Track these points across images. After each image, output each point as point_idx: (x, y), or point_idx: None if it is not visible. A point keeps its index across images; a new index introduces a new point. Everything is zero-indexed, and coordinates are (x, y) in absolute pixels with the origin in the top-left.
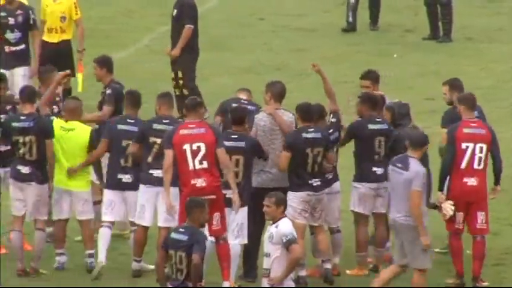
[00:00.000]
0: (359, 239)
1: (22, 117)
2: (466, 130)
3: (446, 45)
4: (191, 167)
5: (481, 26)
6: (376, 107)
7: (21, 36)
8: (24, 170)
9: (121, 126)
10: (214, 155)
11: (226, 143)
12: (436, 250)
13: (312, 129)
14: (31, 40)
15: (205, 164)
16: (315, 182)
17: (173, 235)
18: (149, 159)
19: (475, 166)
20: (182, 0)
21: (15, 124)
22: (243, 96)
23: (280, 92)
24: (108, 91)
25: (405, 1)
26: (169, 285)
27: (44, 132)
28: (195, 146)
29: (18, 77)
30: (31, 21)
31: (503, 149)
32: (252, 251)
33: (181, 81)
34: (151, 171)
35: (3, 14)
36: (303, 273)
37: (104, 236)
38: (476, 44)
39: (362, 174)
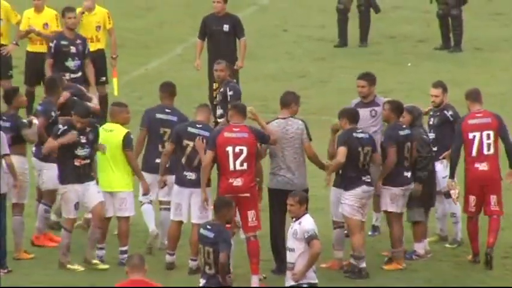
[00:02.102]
0: (395, 236)
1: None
2: (470, 121)
3: (457, 54)
4: (231, 167)
5: (489, 37)
6: (401, 114)
7: (80, 64)
8: None
9: (159, 115)
10: (255, 156)
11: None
12: (446, 245)
13: (360, 130)
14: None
15: (245, 166)
16: (367, 178)
17: (202, 231)
18: (183, 160)
19: (485, 152)
20: (233, 16)
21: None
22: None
23: (284, 101)
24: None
25: (419, 13)
26: (201, 279)
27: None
28: (237, 149)
29: None
30: (87, 51)
31: None
32: (280, 247)
33: None
34: (184, 173)
35: (64, 42)
36: (364, 265)
37: (147, 211)
38: (485, 53)
39: (393, 179)
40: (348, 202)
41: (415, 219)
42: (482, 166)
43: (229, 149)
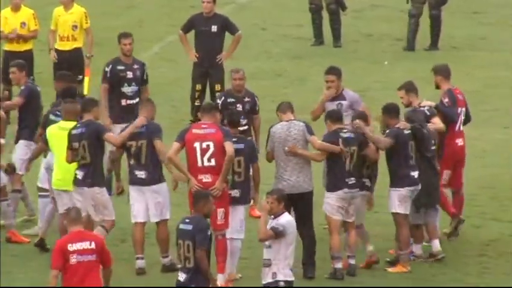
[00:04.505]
0: (402, 238)
1: (78, 125)
2: (459, 96)
3: (433, 53)
4: (199, 163)
5: (465, 36)
6: (399, 114)
7: (137, 90)
8: (79, 175)
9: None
10: (223, 153)
11: None
12: (424, 243)
13: (345, 130)
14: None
15: (212, 162)
16: (351, 180)
17: (181, 226)
18: (132, 161)
19: (461, 128)
20: (222, 17)
21: (73, 131)
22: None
23: (286, 106)
24: (22, 87)
25: (396, 12)
26: (180, 273)
27: (94, 135)
28: (204, 145)
29: None
30: (145, 76)
31: (489, 149)
32: None
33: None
34: (135, 173)
35: (120, 67)
36: (339, 265)
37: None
38: (461, 52)
39: (401, 180)
40: (330, 201)
41: (416, 222)
42: (460, 142)
43: (197, 144)
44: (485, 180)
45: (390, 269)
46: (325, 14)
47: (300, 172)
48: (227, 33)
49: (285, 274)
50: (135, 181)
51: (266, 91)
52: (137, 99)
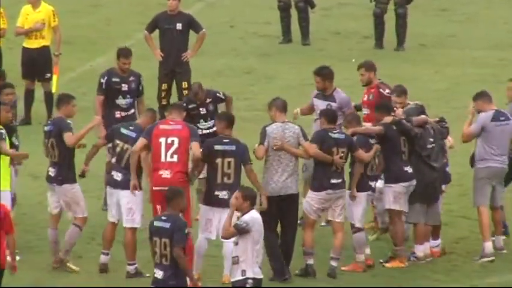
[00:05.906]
0: (397, 234)
1: (49, 122)
2: None
3: (401, 51)
4: (163, 158)
5: (434, 33)
6: (391, 112)
7: (132, 102)
8: (51, 172)
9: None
10: (187, 150)
11: (219, 147)
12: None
13: (337, 131)
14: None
15: (175, 158)
16: (336, 180)
17: (156, 223)
18: (113, 160)
19: None
20: (186, 15)
21: (44, 127)
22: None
23: (283, 105)
24: None
25: (364, 10)
26: (156, 270)
27: (59, 133)
28: (169, 140)
29: None
30: (140, 88)
31: (458, 147)
32: (270, 253)
33: (186, 91)
34: (112, 173)
35: (115, 79)
36: (311, 261)
37: None
38: (429, 49)
39: (396, 175)
40: (310, 201)
41: (411, 221)
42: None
43: (162, 140)
44: (454, 177)
45: (387, 264)
46: (293, 12)
47: (291, 175)
48: (192, 32)
49: (254, 272)
50: (109, 181)
51: (234, 88)
52: (132, 111)
